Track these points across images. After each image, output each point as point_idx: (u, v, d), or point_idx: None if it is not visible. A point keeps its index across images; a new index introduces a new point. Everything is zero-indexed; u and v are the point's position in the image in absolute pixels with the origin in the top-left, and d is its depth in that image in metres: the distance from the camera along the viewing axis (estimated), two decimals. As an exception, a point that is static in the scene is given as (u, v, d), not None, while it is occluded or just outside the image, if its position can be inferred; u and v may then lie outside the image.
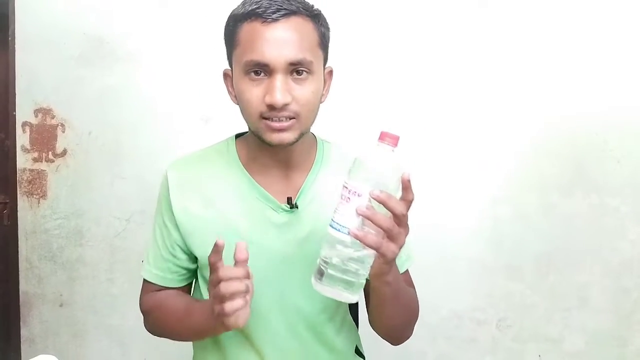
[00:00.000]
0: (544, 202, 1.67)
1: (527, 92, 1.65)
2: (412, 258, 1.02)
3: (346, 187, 0.73)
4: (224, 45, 0.91)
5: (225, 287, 0.74)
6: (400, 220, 0.73)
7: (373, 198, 0.71)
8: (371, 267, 0.76)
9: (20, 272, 1.84)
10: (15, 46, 1.77)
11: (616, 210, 1.64)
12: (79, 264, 1.82)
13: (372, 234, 0.73)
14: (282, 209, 0.92)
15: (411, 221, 0.78)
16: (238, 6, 0.87)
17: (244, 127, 1.04)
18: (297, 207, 0.92)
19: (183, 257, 0.97)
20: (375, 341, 1.13)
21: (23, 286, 1.85)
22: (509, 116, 1.66)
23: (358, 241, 0.72)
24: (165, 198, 0.96)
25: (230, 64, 0.91)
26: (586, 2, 1.61)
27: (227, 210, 0.93)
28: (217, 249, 0.76)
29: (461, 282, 1.71)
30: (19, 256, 1.84)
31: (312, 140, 0.99)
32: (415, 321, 0.99)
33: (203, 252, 0.90)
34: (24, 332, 1.86)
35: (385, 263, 0.77)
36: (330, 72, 0.95)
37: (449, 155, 1.69)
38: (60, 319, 1.85)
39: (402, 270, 0.99)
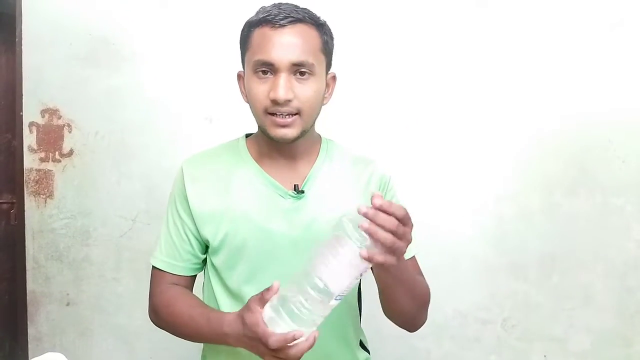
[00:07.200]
0: (548, 201, 1.67)
1: (531, 91, 1.65)
2: (417, 245, 1.05)
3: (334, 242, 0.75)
4: (239, 48, 1.01)
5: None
6: (405, 220, 0.77)
7: (376, 208, 0.73)
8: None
9: (27, 271, 1.85)
10: (22, 47, 1.78)
11: (621, 209, 1.64)
12: (86, 263, 1.83)
13: (376, 252, 0.75)
14: (289, 195, 1.00)
15: (416, 220, 0.79)
16: (253, 15, 0.98)
17: (248, 126, 1.08)
18: (302, 193, 0.99)
19: (195, 245, 1.03)
20: (380, 338, 1.13)
21: (30, 285, 1.86)
22: (512, 115, 1.66)
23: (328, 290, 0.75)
24: (180, 190, 1.03)
25: (243, 66, 1.01)
26: (589, 1, 1.61)
27: (237, 197, 1.01)
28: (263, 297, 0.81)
29: (465, 281, 1.71)
30: (26, 255, 1.85)
31: (316, 137, 1.08)
32: (426, 307, 1.04)
33: (215, 239, 1.00)
34: (31, 330, 1.88)
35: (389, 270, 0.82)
36: (334, 78, 1.04)
37: (452, 155, 1.69)
38: (67, 317, 1.86)
39: (408, 256, 1.01)
